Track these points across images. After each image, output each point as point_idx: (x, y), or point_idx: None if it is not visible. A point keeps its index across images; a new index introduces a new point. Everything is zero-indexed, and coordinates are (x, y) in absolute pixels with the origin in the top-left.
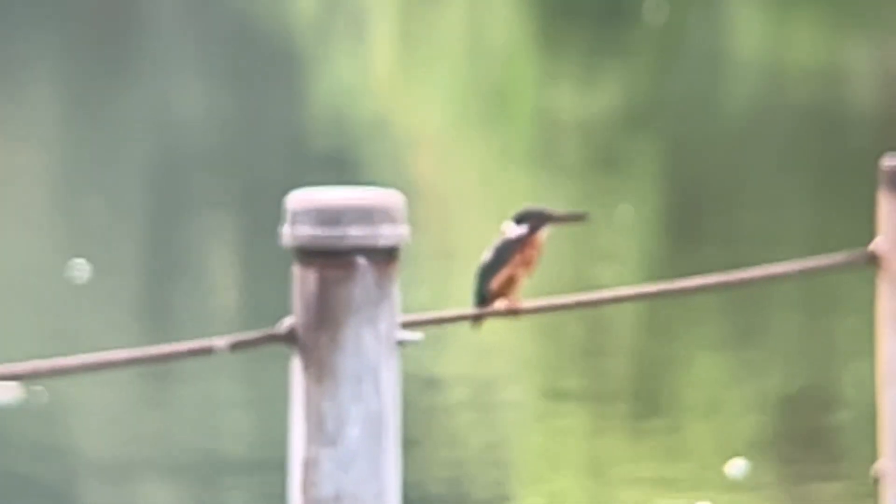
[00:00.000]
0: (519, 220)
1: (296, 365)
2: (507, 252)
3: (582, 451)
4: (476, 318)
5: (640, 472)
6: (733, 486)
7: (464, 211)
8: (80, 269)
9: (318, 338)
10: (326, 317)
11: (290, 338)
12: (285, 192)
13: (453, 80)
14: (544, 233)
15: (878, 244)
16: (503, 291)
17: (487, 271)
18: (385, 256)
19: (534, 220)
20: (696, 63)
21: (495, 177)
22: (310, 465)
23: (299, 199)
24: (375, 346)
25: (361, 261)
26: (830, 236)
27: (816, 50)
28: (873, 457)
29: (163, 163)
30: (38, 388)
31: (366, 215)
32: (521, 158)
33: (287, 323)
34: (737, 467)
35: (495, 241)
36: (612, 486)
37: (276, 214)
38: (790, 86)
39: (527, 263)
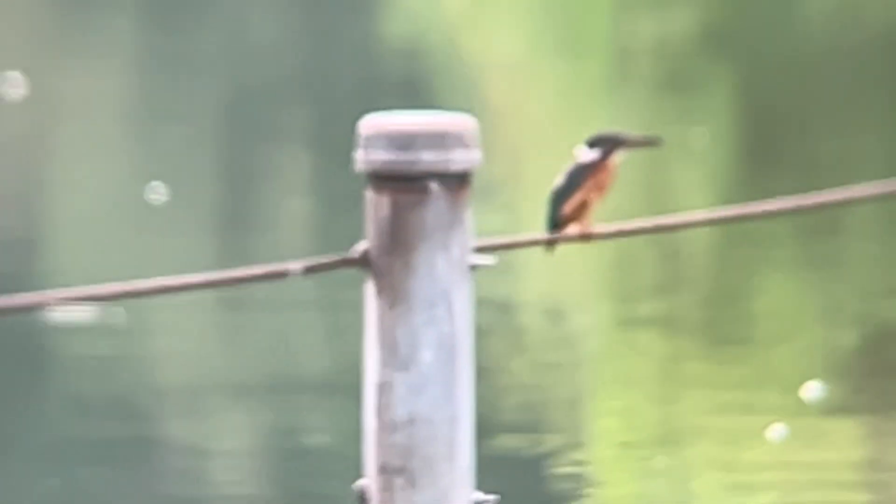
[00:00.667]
0: (592, 144)
1: (369, 289)
2: (579, 176)
3: (656, 375)
4: (549, 243)
5: (715, 395)
6: (810, 409)
7: (537, 136)
8: (158, 191)
9: (391, 262)
10: (399, 241)
11: (363, 262)
12: (359, 116)
13: (527, 4)
14: (617, 157)
15: None
16: (576, 216)
17: (560, 196)
18: (457, 181)
19: (607, 144)
20: None
21: (569, 102)
22: (383, 389)
23: (372, 124)
24: (448, 271)
25: (434, 185)
26: None
27: None
28: None
29: (237, 89)
30: (118, 309)
31: (438, 140)
32: (595, 83)
33: (360, 247)
34: (813, 390)
35: (568, 166)
36: (686, 410)
37: (349, 140)
38: (868, 8)
39: (600, 188)
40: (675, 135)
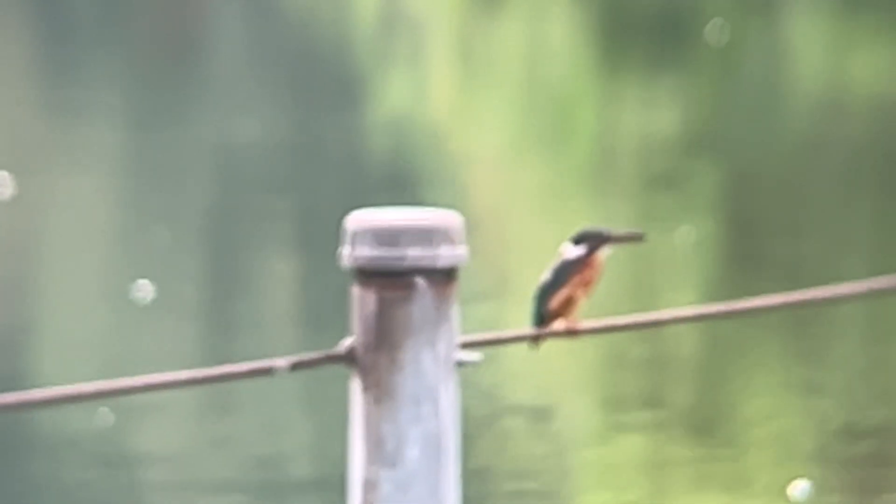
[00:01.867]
0: (577, 240)
1: (355, 385)
2: (565, 273)
3: (643, 476)
4: (535, 339)
5: (703, 496)
6: None
7: (523, 231)
8: (144, 289)
9: (377, 359)
10: (385, 338)
11: (349, 358)
12: (345, 212)
13: (512, 99)
14: (603, 253)
15: None
16: (562, 312)
17: (546, 292)
18: (444, 277)
19: (592, 240)
20: (756, 85)
21: (554, 197)
22: (369, 486)
23: (358, 219)
24: (434, 367)
25: (420, 282)
26: (893, 259)
27: (879, 75)
28: None
29: (224, 184)
30: (104, 409)
31: (425, 236)
32: (580, 179)
33: (346, 343)
34: (800, 489)
35: (554, 262)
36: None
37: (335, 235)
38: (851, 109)
39: (585, 284)
40: (661, 231)
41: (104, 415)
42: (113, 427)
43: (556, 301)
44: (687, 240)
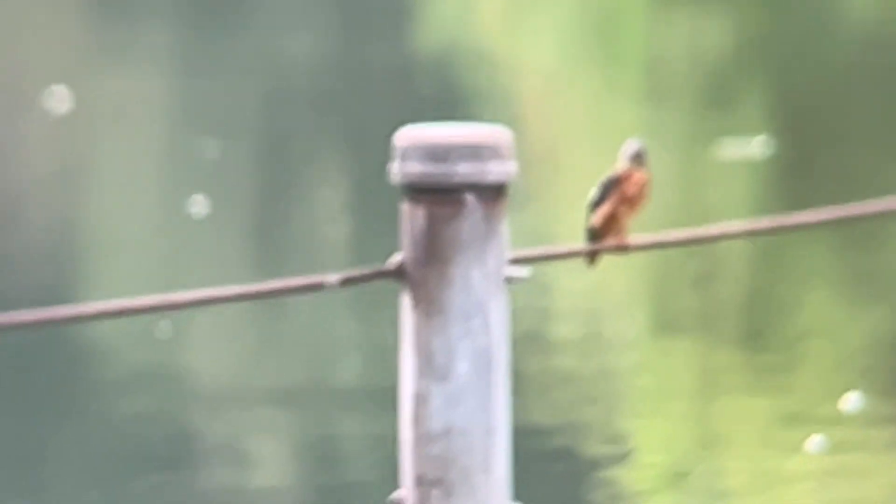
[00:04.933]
0: (626, 155)
1: (405, 301)
2: (607, 189)
3: (695, 386)
4: (586, 255)
5: (754, 406)
6: (848, 419)
7: (573, 146)
8: (199, 204)
9: (426, 274)
10: (435, 253)
11: (399, 274)
12: (394, 129)
13: (562, 14)
14: (645, 171)
15: None
16: (607, 228)
17: (591, 207)
18: (493, 193)
19: (636, 156)
20: (808, 2)
21: (605, 111)
22: (420, 400)
23: (408, 136)
24: (484, 283)
25: (470, 197)
26: None
27: None
28: None
29: (275, 100)
30: (164, 321)
31: (474, 152)
32: (631, 94)
33: (396, 259)
34: (852, 401)
35: (602, 178)
36: (725, 420)
37: (385, 152)
38: None
39: (627, 201)
40: (711, 145)
41: (163, 328)
42: (170, 340)
43: (599, 217)
44: (761, 149)
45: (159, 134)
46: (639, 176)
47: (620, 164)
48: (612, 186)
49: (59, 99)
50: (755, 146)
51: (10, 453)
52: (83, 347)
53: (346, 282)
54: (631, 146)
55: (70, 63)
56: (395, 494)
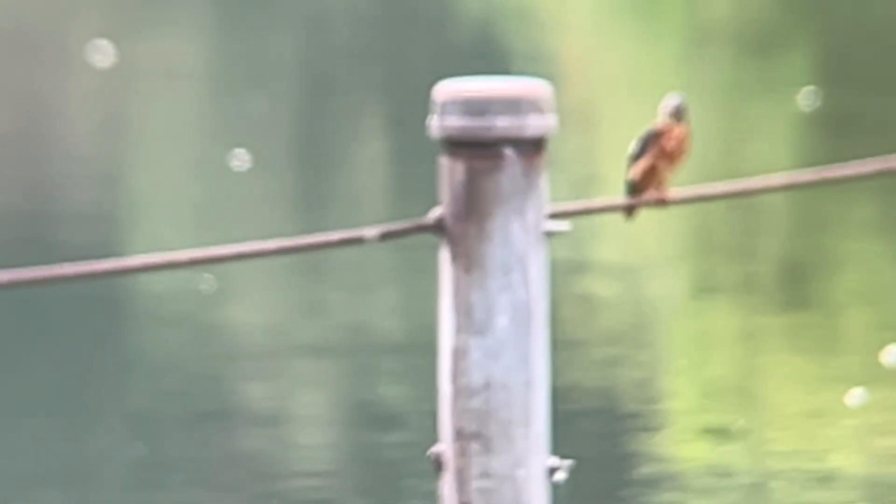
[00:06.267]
0: (666, 110)
1: (444, 255)
2: (646, 142)
3: (734, 339)
4: (626, 209)
5: (794, 361)
6: (889, 374)
7: (614, 100)
8: (241, 158)
9: (466, 228)
10: (474, 207)
11: (438, 228)
12: (433, 82)
13: None
14: (685, 125)
15: None
16: (646, 182)
17: (631, 161)
18: (532, 147)
19: (676, 111)
20: None
21: (647, 64)
22: (459, 354)
23: (447, 90)
24: (523, 237)
25: (509, 151)
26: None
27: None
28: None
29: (314, 55)
30: (207, 275)
31: (513, 106)
32: (673, 46)
33: (435, 213)
34: (892, 355)
35: (642, 132)
36: (765, 376)
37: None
38: None
39: (667, 155)
40: (756, 98)
41: (208, 280)
42: (214, 293)
43: (637, 171)
44: (812, 101)
45: (200, 89)
46: (678, 131)
47: (660, 119)
48: (651, 140)
49: (102, 53)
50: (803, 98)
51: (57, 405)
52: (127, 300)
53: (386, 235)
54: (671, 101)
55: (113, 18)
56: (435, 448)
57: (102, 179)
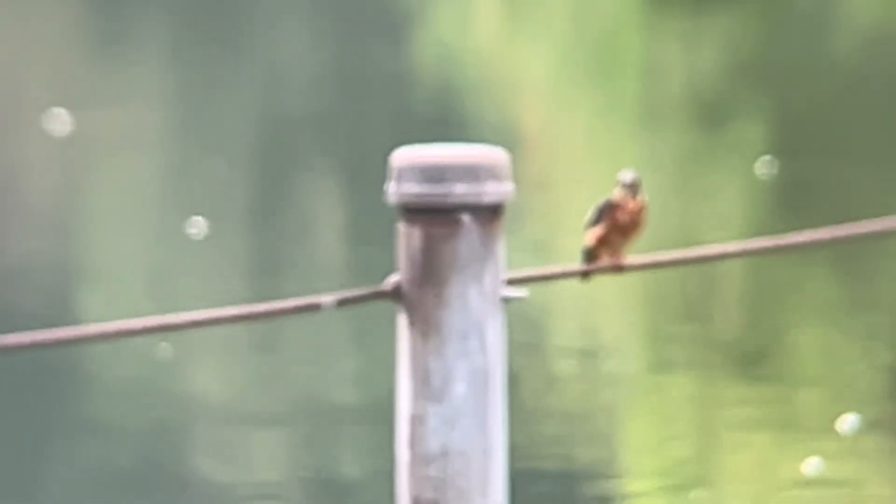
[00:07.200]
0: (622, 182)
1: (402, 321)
2: (602, 212)
3: (691, 408)
4: (582, 274)
5: (751, 430)
6: (845, 442)
7: (570, 167)
8: (198, 226)
9: (423, 295)
10: (432, 274)
11: (395, 294)
12: (391, 149)
13: (558, 34)
14: (640, 200)
15: None
16: (600, 250)
17: (587, 228)
18: (490, 214)
19: (631, 185)
20: (804, 17)
21: (602, 132)
22: (416, 421)
23: (404, 156)
24: (481, 303)
25: (466, 218)
26: None
27: None
28: None
29: (272, 122)
30: (164, 343)
31: (470, 173)
32: (628, 111)
33: (393, 280)
34: (849, 423)
35: (599, 201)
36: (722, 445)
37: (382, 172)
38: None
39: (619, 227)
40: (709, 165)
41: (164, 349)
42: (169, 362)
43: (592, 239)
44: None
45: (158, 157)
46: (633, 205)
47: (616, 191)
48: (606, 211)
49: (60, 122)
50: (760, 167)
51: (10, 472)
52: (82, 367)
53: (343, 302)
54: (626, 176)
55: (70, 87)
56: None
57: (59, 247)
